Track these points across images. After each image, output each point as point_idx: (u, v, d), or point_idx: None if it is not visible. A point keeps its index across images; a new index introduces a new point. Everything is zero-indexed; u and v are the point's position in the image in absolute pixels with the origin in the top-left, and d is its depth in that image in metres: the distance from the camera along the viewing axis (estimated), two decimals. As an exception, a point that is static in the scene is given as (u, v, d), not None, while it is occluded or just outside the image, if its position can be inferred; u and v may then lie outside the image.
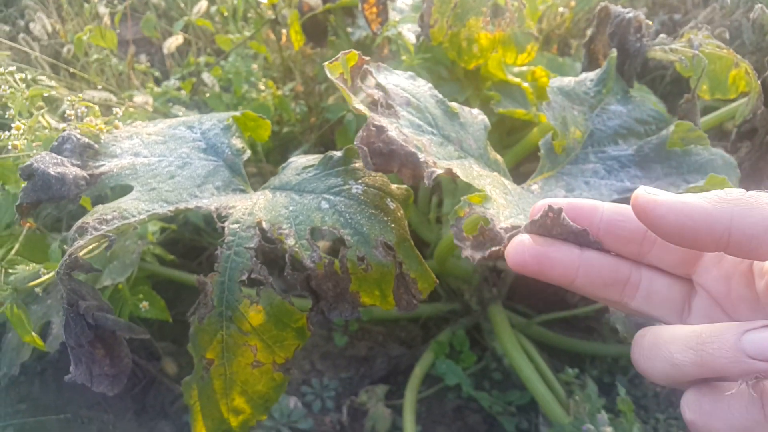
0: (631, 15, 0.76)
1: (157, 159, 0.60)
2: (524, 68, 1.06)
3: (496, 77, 1.01)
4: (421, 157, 0.47)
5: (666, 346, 0.33)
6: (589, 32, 0.81)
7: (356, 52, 0.51)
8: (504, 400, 0.94)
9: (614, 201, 0.64)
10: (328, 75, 0.48)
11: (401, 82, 0.60)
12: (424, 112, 0.57)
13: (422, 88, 0.61)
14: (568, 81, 0.75)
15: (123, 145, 0.62)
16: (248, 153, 0.64)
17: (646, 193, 0.34)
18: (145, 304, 0.79)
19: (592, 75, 0.76)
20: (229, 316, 0.51)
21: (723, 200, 0.32)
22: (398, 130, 0.50)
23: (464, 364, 0.96)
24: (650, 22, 0.79)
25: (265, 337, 0.51)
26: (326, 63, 0.49)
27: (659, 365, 0.33)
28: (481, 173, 0.55)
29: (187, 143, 0.63)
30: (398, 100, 0.56)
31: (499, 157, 0.64)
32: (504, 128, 1.12)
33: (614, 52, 0.75)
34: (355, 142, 0.47)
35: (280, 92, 1.11)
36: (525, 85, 1.00)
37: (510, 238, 0.41)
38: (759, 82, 0.85)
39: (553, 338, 1.00)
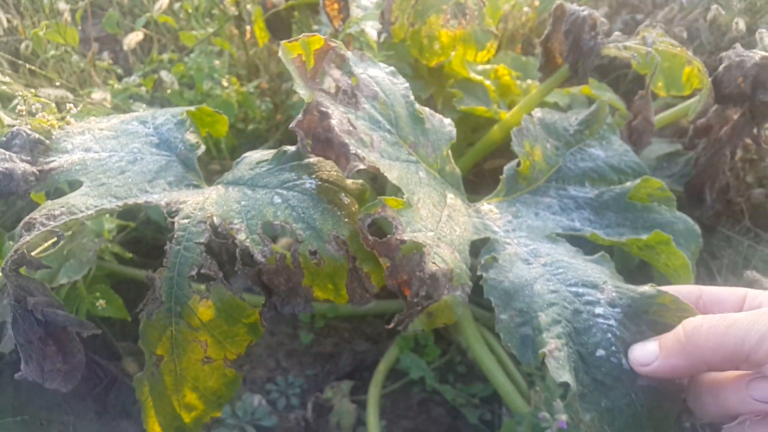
0: (585, 13, 0.77)
1: (107, 154, 0.59)
2: (488, 66, 1.07)
3: (460, 75, 1.02)
4: (353, 149, 0.48)
5: (699, 394, 0.45)
6: (546, 31, 0.82)
7: (323, 36, 0.51)
8: (468, 392, 0.95)
9: (557, 234, 0.64)
10: (281, 55, 0.48)
11: (378, 75, 0.60)
12: (389, 109, 0.57)
13: (397, 86, 0.61)
14: (551, 115, 0.75)
15: (74, 140, 0.62)
16: (203, 148, 0.63)
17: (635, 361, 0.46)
18: (101, 302, 0.78)
19: (580, 115, 0.77)
20: (178, 312, 0.51)
21: (690, 354, 0.43)
22: (347, 119, 0.50)
23: (428, 358, 0.97)
24: (605, 20, 0.80)
25: (216, 333, 0.51)
26: (284, 41, 0.48)
27: (697, 407, 0.46)
28: (423, 181, 0.56)
29: (140, 138, 0.63)
30: (366, 92, 0.56)
31: (457, 170, 0.64)
32: (468, 126, 1.13)
33: (604, 99, 0.74)
34: (290, 125, 0.47)
35: (244, 89, 1.11)
36: (487, 83, 1.01)
37: (403, 253, 0.45)
38: (710, 79, 0.87)
39: (516, 332, 1.01)
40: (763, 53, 0.84)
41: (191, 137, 0.64)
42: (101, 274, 0.88)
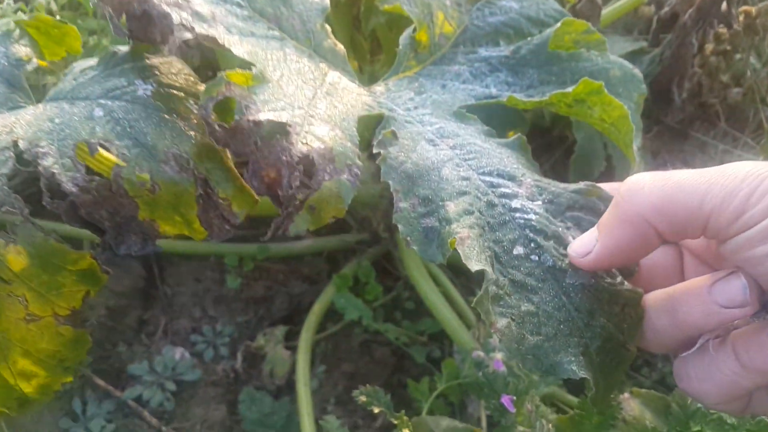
0: None
1: None
2: (423, -38, 0.93)
3: (386, -28, 0.88)
4: (176, 18, 0.36)
5: (653, 316, 0.34)
6: None
7: None
8: (415, 329, 0.87)
9: (469, 106, 0.53)
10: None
11: None
12: (234, -21, 0.45)
13: None
14: None
15: None
16: (34, 63, 0.51)
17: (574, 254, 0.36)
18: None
19: None
20: (-20, 263, 0.40)
21: (631, 217, 0.32)
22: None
23: (369, 296, 0.88)
24: None
25: (34, 285, 0.41)
26: None
27: (651, 335, 0.35)
28: (290, 57, 0.44)
29: (-48, 56, 0.51)
30: None
31: (340, 46, 0.53)
32: (401, 32, 1.00)
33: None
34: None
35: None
36: (419, -22, 0.87)
37: (262, 138, 0.33)
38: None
39: (467, 261, 0.93)
40: None
41: (18, 50, 0.51)
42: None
